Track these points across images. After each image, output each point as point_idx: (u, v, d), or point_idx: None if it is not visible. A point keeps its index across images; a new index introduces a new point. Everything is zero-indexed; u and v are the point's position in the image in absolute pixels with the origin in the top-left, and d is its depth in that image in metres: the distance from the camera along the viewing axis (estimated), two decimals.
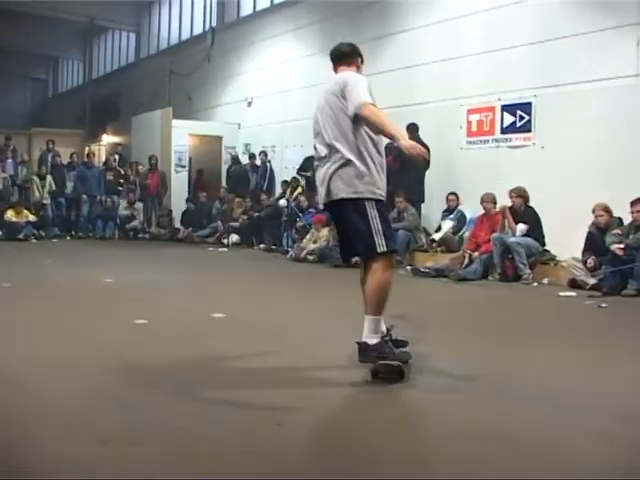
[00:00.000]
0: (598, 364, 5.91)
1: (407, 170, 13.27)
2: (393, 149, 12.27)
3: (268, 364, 5.58)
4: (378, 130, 5.22)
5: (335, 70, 5.73)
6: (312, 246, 14.56)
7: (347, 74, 5.51)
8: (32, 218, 19.14)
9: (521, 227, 11.67)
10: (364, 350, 5.22)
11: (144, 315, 7.46)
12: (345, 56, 5.77)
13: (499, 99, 13.59)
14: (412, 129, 13.83)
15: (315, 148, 5.53)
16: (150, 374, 5.25)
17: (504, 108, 13.53)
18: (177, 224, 20.52)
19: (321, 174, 5.42)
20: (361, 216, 5.26)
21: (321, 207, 5.89)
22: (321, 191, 5.46)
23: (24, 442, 3.81)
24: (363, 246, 5.34)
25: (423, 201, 14.40)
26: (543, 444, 3.84)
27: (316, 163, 5.56)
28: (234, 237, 18.12)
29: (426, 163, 12.87)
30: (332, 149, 5.33)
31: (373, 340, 5.21)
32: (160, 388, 4.88)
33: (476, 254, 12.04)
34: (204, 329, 7.09)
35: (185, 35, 25.86)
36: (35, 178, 20.54)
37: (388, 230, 5.34)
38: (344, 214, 5.39)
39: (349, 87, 5.29)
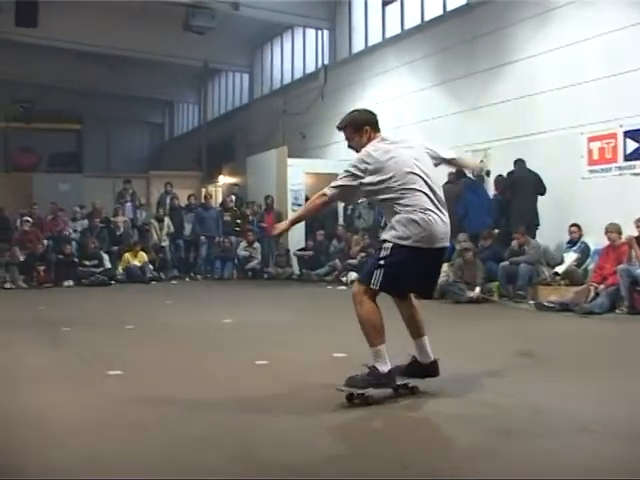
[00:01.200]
0: None
1: (519, 198, 14.16)
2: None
3: (391, 404, 5.49)
4: None
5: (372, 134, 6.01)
6: None
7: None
8: (146, 258, 19.41)
9: None
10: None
11: (264, 356, 7.49)
12: None
13: (621, 125, 13.28)
14: (520, 164, 14.51)
15: (434, 192, 5.76)
16: (273, 417, 5.24)
17: (627, 134, 13.21)
18: (295, 264, 20.54)
19: (447, 219, 5.78)
20: None
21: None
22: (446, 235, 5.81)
23: None
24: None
25: (538, 224, 14.26)
26: None
27: (432, 207, 5.72)
28: (352, 275, 17.97)
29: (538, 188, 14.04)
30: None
31: None
32: (283, 430, 4.87)
33: (602, 287, 11.70)
34: (325, 369, 6.99)
35: (298, 74, 26.05)
36: (153, 221, 20.92)
37: None
38: (442, 259, 6.04)
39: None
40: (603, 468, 4.01)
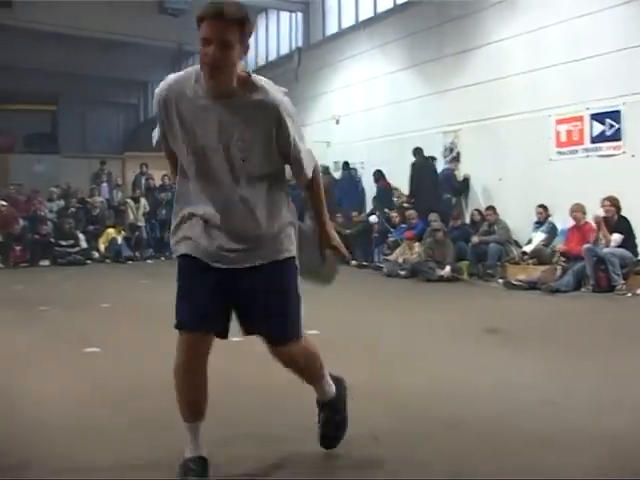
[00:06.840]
0: None
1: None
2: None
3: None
4: None
5: None
6: (401, 259, 14.58)
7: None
8: (123, 234, 19.71)
9: (616, 237, 11.61)
10: None
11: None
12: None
13: (587, 108, 13.46)
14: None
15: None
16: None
17: (593, 117, 13.39)
18: None
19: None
20: None
21: None
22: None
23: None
24: None
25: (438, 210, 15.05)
26: None
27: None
28: None
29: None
30: None
31: None
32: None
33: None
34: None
35: (272, 56, 26.17)
36: (129, 201, 21.01)
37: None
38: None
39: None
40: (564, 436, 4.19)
